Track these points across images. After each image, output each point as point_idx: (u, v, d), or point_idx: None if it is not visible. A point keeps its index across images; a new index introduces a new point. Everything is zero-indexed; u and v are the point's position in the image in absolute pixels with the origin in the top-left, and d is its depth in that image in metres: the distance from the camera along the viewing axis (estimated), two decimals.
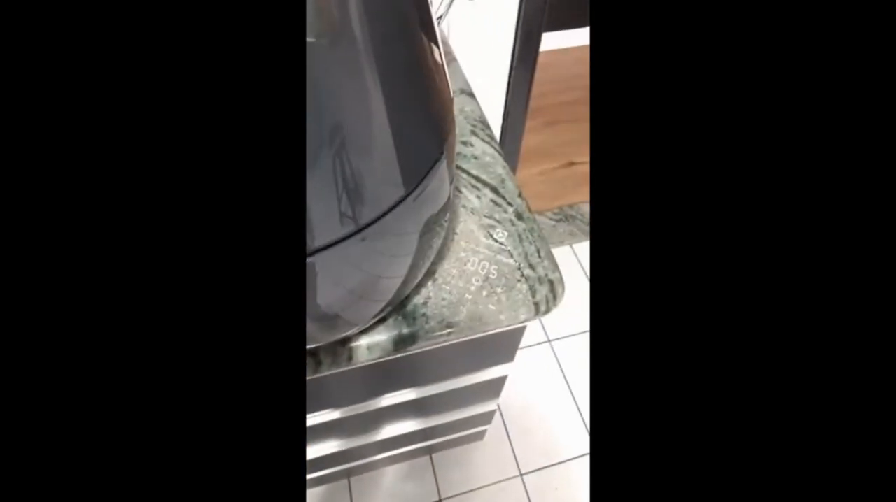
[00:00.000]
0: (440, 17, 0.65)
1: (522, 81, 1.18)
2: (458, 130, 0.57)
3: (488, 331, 0.43)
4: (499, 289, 0.44)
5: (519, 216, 0.49)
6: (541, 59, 1.95)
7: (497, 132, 1.15)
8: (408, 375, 0.58)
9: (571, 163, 1.61)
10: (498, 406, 1.23)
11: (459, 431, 0.89)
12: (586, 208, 1.52)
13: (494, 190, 0.51)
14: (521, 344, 1.36)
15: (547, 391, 1.23)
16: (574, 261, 1.43)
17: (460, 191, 0.51)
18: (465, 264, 0.45)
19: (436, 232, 0.38)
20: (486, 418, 0.85)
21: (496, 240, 0.47)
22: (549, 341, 1.30)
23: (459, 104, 0.60)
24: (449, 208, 0.37)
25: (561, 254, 1.43)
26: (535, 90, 1.82)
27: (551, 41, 1.95)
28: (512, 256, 0.46)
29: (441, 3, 0.63)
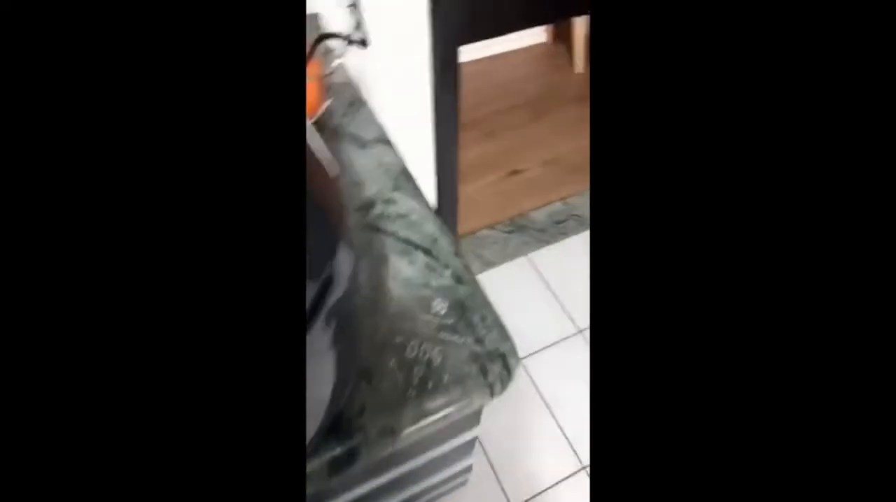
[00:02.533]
0: (338, 60, 0.59)
1: (447, 101, 1.10)
2: (377, 188, 0.51)
3: (439, 427, 0.38)
4: (446, 377, 0.38)
5: (458, 279, 0.44)
6: (469, 69, 1.92)
7: (432, 157, 1.09)
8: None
9: (515, 172, 1.59)
10: (478, 440, 1.18)
11: (438, 490, 0.82)
12: (536, 215, 1.49)
13: (427, 252, 0.46)
14: None
15: (525, 413, 1.19)
16: (533, 272, 1.39)
17: (388, 259, 0.45)
18: (404, 352, 0.39)
19: (351, 337, 0.32)
20: (465, 472, 0.80)
21: (436, 315, 0.42)
22: (520, 360, 1.26)
23: (377, 155, 0.54)
24: (357, 314, 0.31)
25: (518, 266, 1.40)
26: (470, 101, 1.78)
27: (478, 49, 1.92)
28: (456, 331, 0.41)
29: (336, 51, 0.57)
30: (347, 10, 0.59)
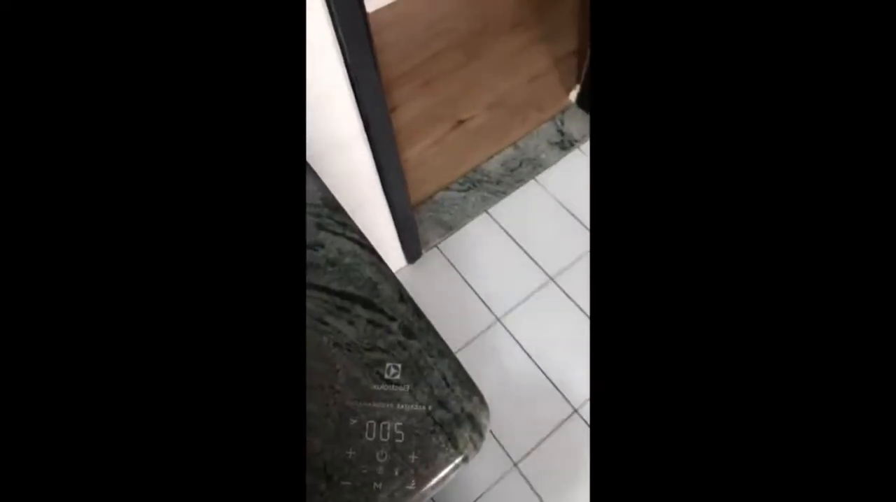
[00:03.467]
0: None
1: (363, 61, 0.93)
2: None
3: None
4: (413, 457, 0.34)
5: (408, 332, 0.39)
6: (388, 16, 1.75)
7: (360, 130, 0.99)
8: None
9: (461, 122, 1.50)
10: None
11: None
12: (488, 167, 1.43)
13: (368, 304, 0.41)
14: (471, 332, 1.30)
15: (511, 370, 1.20)
16: (495, 227, 1.35)
17: (325, 324, 0.40)
18: (362, 435, 0.35)
19: None
20: None
21: (390, 381, 0.37)
22: (498, 320, 1.26)
23: None
24: None
25: (479, 224, 1.35)
26: (398, 52, 1.64)
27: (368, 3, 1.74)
28: (415, 398, 0.37)
29: None
30: None
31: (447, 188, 1.39)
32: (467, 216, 1.35)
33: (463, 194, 1.39)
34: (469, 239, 1.34)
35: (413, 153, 1.45)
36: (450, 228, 1.34)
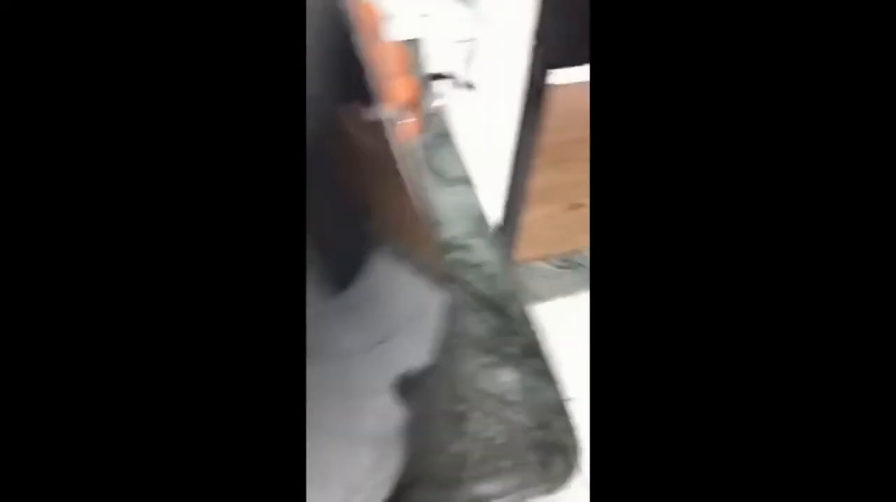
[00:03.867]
0: (439, 102, 0.57)
1: (530, 124, 1.07)
2: (455, 232, 0.49)
3: None
4: (504, 464, 0.35)
5: (530, 351, 0.41)
6: (554, 93, 1.87)
7: (504, 179, 1.06)
8: None
9: (577, 206, 1.54)
10: None
11: None
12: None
13: (500, 312, 0.43)
14: None
15: None
16: (581, 313, 1.34)
17: (462, 314, 0.43)
18: (463, 422, 0.37)
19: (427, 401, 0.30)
20: None
21: (501, 387, 0.39)
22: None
23: (459, 196, 0.52)
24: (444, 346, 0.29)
25: (566, 304, 1.35)
26: (546, 126, 1.74)
27: (569, 73, 1.88)
28: (521, 411, 0.38)
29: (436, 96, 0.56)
30: (461, 45, 0.57)
31: (546, 260, 1.41)
32: (556, 292, 1.36)
33: (558, 271, 1.40)
34: (550, 314, 1.33)
35: (526, 217, 1.50)
36: (535, 297, 1.35)
